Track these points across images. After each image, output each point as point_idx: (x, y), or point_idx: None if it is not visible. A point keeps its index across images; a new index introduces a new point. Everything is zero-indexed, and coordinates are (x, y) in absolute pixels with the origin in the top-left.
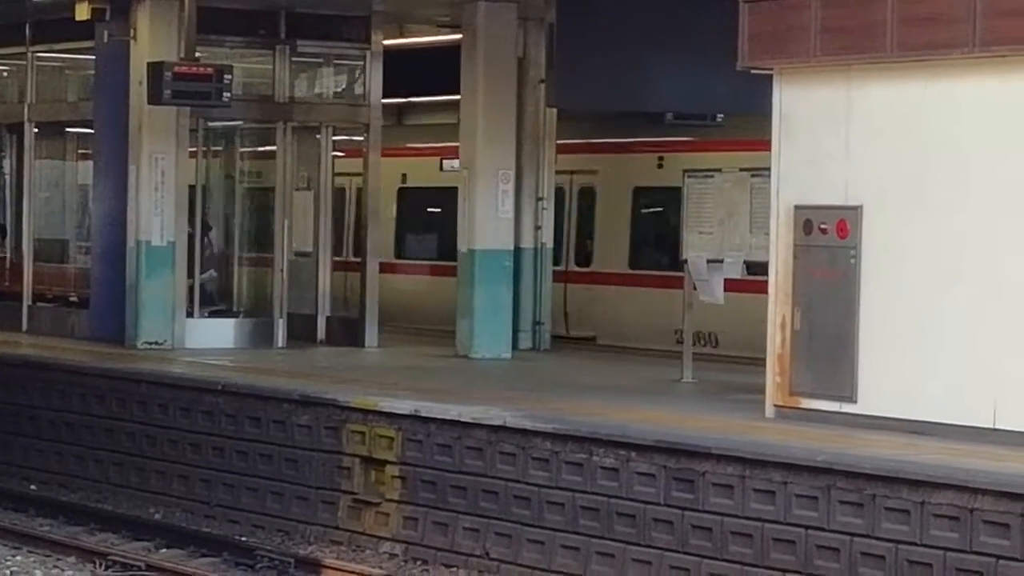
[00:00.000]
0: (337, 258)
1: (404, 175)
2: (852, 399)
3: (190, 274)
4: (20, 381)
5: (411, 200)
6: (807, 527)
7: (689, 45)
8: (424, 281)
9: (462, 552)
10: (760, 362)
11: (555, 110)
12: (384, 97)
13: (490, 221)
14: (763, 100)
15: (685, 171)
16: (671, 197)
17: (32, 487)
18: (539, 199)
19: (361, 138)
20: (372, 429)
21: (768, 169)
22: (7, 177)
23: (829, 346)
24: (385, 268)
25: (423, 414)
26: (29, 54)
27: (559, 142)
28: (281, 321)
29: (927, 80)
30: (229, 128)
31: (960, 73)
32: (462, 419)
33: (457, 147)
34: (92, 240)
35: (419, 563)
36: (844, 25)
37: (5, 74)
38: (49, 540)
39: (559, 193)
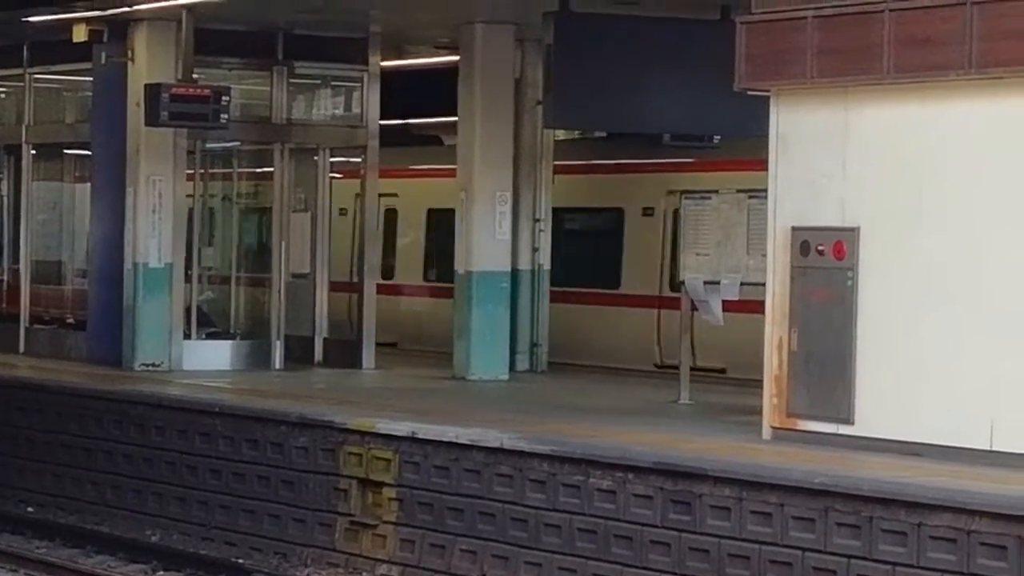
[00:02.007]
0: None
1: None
2: (849, 421)
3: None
4: (17, 403)
5: None
6: (804, 549)
7: (686, 66)
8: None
9: (459, 574)
10: None
11: (552, 131)
12: None
13: (487, 243)
14: (760, 122)
15: (682, 192)
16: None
17: (29, 509)
18: (536, 221)
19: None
20: (369, 451)
21: (765, 190)
22: (5, 199)
23: (826, 368)
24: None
25: (420, 436)
26: (27, 76)
27: None
28: (278, 343)
29: (923, 102)
30: (226, 150)
31: (956, 95)
32: (459, 441)
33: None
34: (89, 262)
35: None
36: (841, 47)
37: (3, 96)
38: (46, 562)
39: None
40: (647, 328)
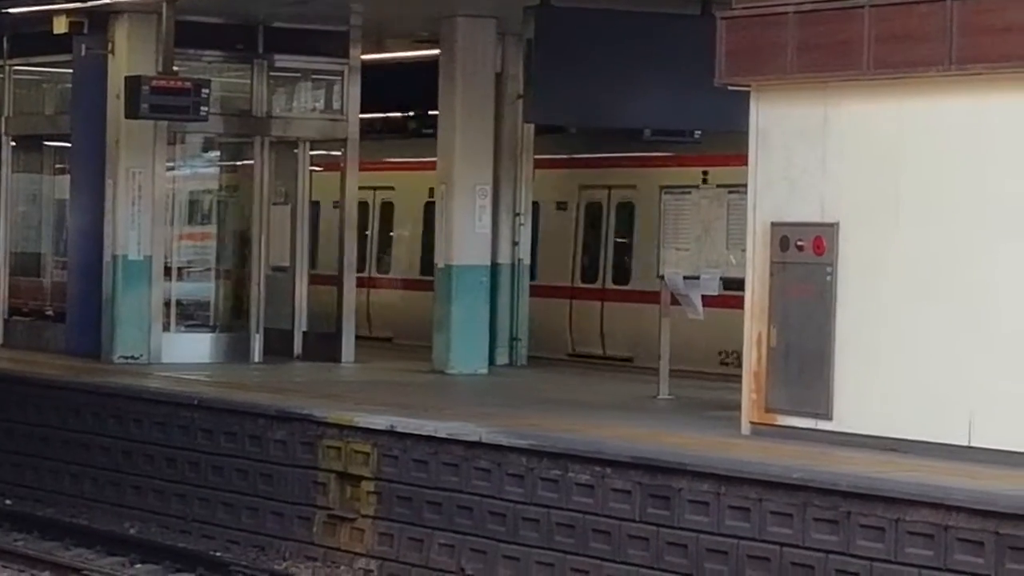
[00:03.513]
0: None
1: None
2: (828, 416)
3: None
4: None
5: None
6: (782, 544)
7: (667, 62)
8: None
9: (437, 568)
10: None
11: (532, 125)
12: None
13: (467, 236)
14: (740, 117)
15: (662, 187)
16: None
17: (7, 502)
18: (516, 214)
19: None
20: (348, 444)
21: (745, 185)
22: None
23: (805, 363)
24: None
25: (399, 430)
26: (7, 67)
27: None
28: (258, 336)
29: (903, 98)
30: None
31: (935, 91)
32: (438, 435)
33: None
34: (68, 254)
35: None
36: (821, 42)
37: None
38: (24, 555)
39: None
40: None
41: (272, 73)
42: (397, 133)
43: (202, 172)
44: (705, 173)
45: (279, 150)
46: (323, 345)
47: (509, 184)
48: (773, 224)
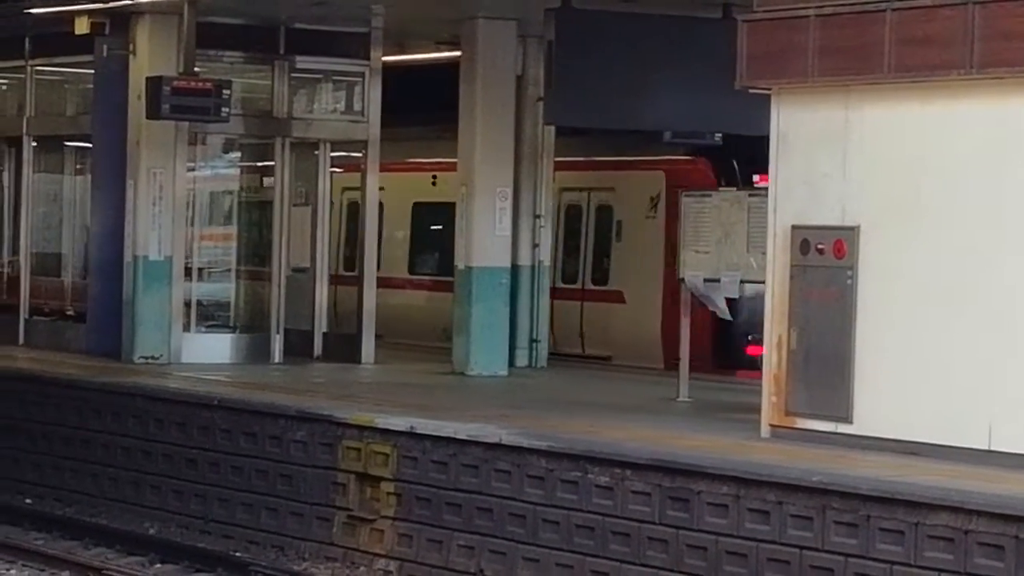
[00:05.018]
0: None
1: None
2: (848, 419)
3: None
4: (16, 394)
5: None
6: (802, 547)
7: (688, 64)
8: None
9: (457, 569)
10: None
11: (553, 128)
12: None
13: (488, 239)
14: (761, 120)
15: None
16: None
17: (27, 501)
18: (536, 217)
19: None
20: (368, 445)
21: (765, 189)
22: (5, 191)
23: (825, 366)
24: None
25: (419, 431)
26: (28, 68)
27: None
28: (278, 336)
29: (924, 101)
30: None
31: (957, 95)
32: (458, 436)
33: None
34: (89, 254)
35: None
36: (842, 46)
37: (4, 87)
38: (44, 554)
39: None
40: None
41: (293, 74)
42: None
43: (223, 173)
44: (434, 177)
45: (300, 151)
46: (343, 346)
47: (529, 186)
48: (793, 227)
